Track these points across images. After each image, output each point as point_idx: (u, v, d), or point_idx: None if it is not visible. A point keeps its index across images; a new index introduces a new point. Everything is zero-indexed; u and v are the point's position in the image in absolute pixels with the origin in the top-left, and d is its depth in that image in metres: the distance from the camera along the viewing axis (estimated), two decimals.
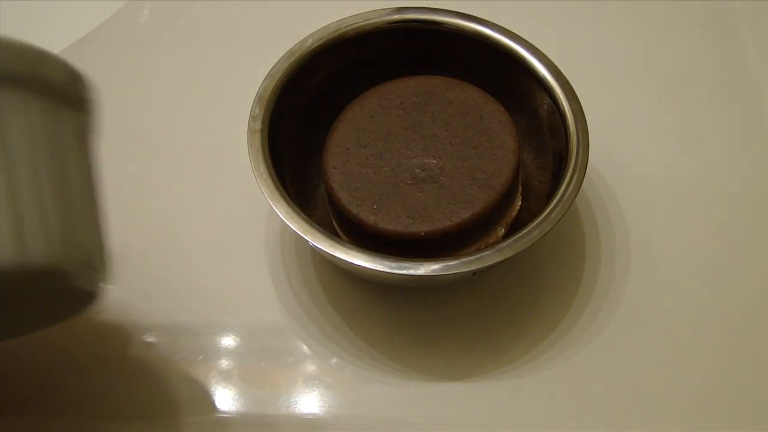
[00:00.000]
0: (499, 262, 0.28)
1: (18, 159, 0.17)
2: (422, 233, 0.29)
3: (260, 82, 0.32)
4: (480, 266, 0.28)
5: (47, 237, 0.17)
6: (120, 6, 0.42)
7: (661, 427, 0.29)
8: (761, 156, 0.36)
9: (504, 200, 0.31)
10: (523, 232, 0.28)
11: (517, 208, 0.32)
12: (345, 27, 0.34)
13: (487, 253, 0.28)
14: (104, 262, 0.20)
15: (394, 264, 0.28)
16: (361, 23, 0.34)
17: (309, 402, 0.30)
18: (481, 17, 0.34)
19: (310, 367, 0.31)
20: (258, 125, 0.31)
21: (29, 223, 0.17)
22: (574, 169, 0.30)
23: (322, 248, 0.28)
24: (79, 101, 0.19)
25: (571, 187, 0.30)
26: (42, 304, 0.21)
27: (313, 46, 0.33)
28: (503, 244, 0.28)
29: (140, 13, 0.43)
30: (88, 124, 0.20)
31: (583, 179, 0.30)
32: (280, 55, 0.32)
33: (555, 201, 0.29)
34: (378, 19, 0.34)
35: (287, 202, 0.29)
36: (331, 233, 0.29)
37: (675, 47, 0.41)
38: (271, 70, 0.32)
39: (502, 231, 0.31)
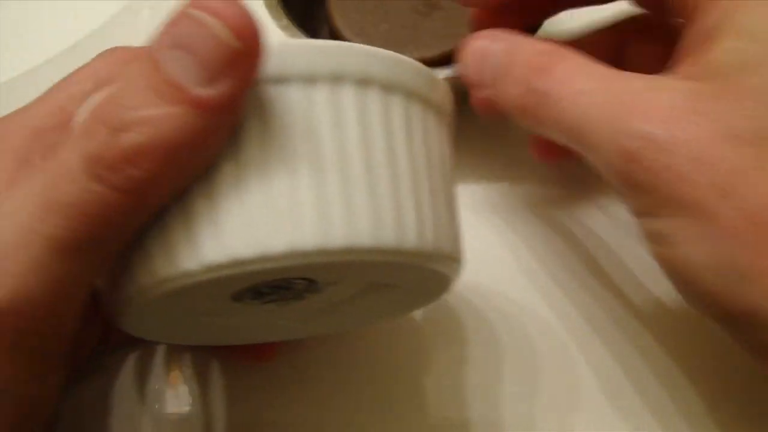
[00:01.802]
0: None
1: (413, 157, 0.20)
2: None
3: None
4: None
5: (422, 224, 0.20)
6: (120, 6, 0.43)
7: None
8: None
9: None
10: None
11: None
12: None
13: None
14: (460, 250, 0.22)
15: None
16: None
17: None
18: None
19: None
20: None
21: (407, 209, 0.19)
22: None
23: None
24: (449, 112, 0.23)
25: None
26: (406, 292, 0.23)
27: None
28: None
29: (140, 13, 0.43)
30: (452, 128, 0.24)
31: None
32: None
33: None
34: None
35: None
36: None
37: None
38: None
39: None
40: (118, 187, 0.16)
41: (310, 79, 0.18)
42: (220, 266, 0.17)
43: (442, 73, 0.31)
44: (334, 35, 0.36)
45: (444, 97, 0.23)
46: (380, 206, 0.19)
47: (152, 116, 0.16)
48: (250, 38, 0.16)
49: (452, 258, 0.21)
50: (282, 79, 0.18)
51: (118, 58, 0.22)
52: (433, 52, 0.35)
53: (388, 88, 0.20)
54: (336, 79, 0.19)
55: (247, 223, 0.17)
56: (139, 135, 0.16)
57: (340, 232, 0.18)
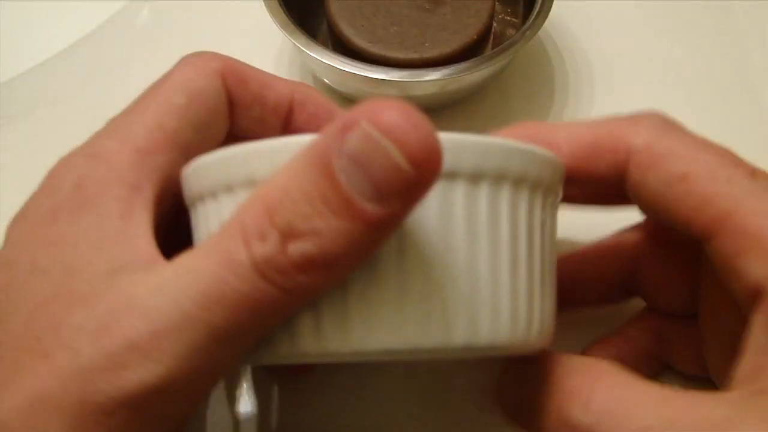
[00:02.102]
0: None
1: (536, 250, 0.21)
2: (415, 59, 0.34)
3: None
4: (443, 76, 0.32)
5: (542, 321, 0.21)
6: (120, 6, 0.43)
7: None
8: (761, 155, 0.36)
9: (475, 45, 0.35)
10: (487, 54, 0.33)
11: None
12: None
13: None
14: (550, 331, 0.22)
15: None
16: None
17: None
18: None
19: None
20: None
21: (533, 306, 0.21)
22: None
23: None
24: (558, 192, 0.23)
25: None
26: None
27: None
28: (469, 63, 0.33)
29: (140, 13, 0.43)
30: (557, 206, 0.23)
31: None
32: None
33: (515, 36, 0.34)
34: None
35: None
36: None
37: (674, 47, 0.41)
38: None
39: None
40: (285, 288, 0.17)
41: (451, 175, 0.19)
42: (370, 353, 0.19)
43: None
44: (334, 35, 0.36)
45: (559, 178, 0.22)
46: (516, 307, 0.20)
47: (324, 228, 0.16)
48: (427, 167, 0.16)
49: (550, 340, 0.22)
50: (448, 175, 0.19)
51: (208, 69, 0.23)
52: (452, 47, 0.35)
53: (519, 182, 0.20)
54: (475, 177, 0.19)
55: (400, 319, 0.19)
56: (311, 246, 0.16)
57: (485, 333, 0.19)
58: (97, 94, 0.39)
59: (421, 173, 0.16)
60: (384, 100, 0.16)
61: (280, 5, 0.36)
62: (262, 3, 0.36)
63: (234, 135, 0.24)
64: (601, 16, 0.42)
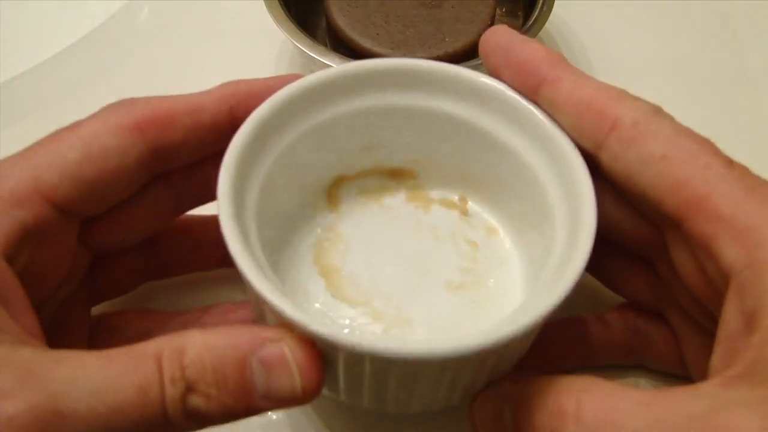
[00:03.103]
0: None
1: None
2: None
3: None
4: None
5: None
6: (120, 6, 0.43)
7: None
8: (761, 155, 0.36)
9: (476, 46, 0.34)
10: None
11: None
12: None
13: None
14: None
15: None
16: None
17: None
18: None
19: None
20: None
21: None
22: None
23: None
24: None
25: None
26: None
27: None
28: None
29: (140, 13, 0.43)
30: None
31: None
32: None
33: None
34: None
35: None
36: None
37: (674, 47, 0.41)
38: None
39: None
40: (172, 422, 0.20)
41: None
42: None
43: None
44: (334, 34, 0.36)
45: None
46: None
47: (215, 397, 0.20)
48: (311, 397, 0.21)
49: None
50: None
51: (119, 126, 0.24)
52: (471, 36, 0.35)
53: None
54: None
55: None
56: (202, 404, 0.20)
57: None
58: (97, 94, 0.39)
59: (305, 399, 0.21)
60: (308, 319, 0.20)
61: (280, 5, 0.36)
62: (262, 3, 0.36)
63: (182, 162, 0.25)
64: (602, 16, 0.42)
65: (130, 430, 0.20)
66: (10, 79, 0.39)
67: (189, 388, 0.20)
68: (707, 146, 0.23)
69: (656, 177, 0.22)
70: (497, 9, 0.39)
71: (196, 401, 0.20)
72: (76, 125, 0.24)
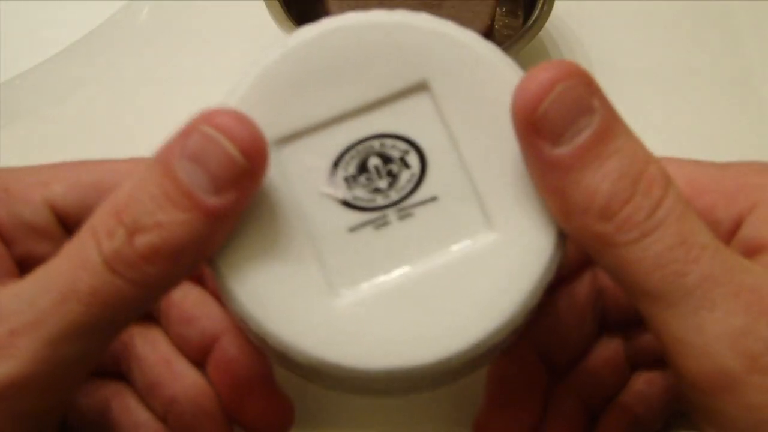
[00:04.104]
0: None
1: None
2: None
3: None
4: None
5: None
6: (120, 6, 0.43)
7: None
8: (761, 155, 0.36)
9: None
10: None
11: None
12: None
13: None
14: None
15: None
16: None
17: None
18: None
19: None
20: None
21: None
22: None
23: None
24: None
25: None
26: None
27: None
28: None
29: (140, 13, 0.43)
30: None
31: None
32: None
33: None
34: None
35: None
36: None
37: (674, 47, 0.41)
38: None
39: None
40: (134, 281, 0.18)
41: None
42: None
43: None
44: None
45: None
46: None
47: (166, 221, 0.18)
48: (257, 157, 0.19)
49: None
50: None
51: None
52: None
53: None
54: None
55: None
56: (155, 237, 0.18)
57: None
58: (97, 94, 0.39)
59: (252, 162, 0.18)
60: (214, 108, 0.19)
61: (281, 5, 0.36)
62: (263, 3, 0.36)
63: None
64: (602, 16, 0.42)
65: (88, 310, 0.18)
66: (10, 79, 0.39)
67: (133, 231, 0.18)
68: None
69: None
70: (497, 9, 0.39)
71: (147, 239, 0.18)
72: (101, 161, 0.24)
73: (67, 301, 0.18)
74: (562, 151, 0.18)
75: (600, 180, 0.18)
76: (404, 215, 0.20)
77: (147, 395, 0.25)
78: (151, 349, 0.26)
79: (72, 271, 0.18)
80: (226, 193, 0.18)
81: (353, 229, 0.20)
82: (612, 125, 0.19)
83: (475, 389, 0.26)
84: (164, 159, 0.19)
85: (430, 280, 0.20)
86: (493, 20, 0.37)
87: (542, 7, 0.36)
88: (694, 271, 0.18)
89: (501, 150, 0.20)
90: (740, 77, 0.40)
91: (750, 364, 0.18)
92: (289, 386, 0.29)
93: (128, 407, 0.25)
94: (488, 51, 0.21)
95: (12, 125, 0.37)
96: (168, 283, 0.19)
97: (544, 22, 0.35)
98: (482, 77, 0.20)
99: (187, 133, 0.19)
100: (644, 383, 0.25)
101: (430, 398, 0.28)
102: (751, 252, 0.20)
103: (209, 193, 0.18)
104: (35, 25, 0.42)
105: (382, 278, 0.20)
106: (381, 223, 0.20)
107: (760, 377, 0.18)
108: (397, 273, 0.20)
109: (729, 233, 0.21)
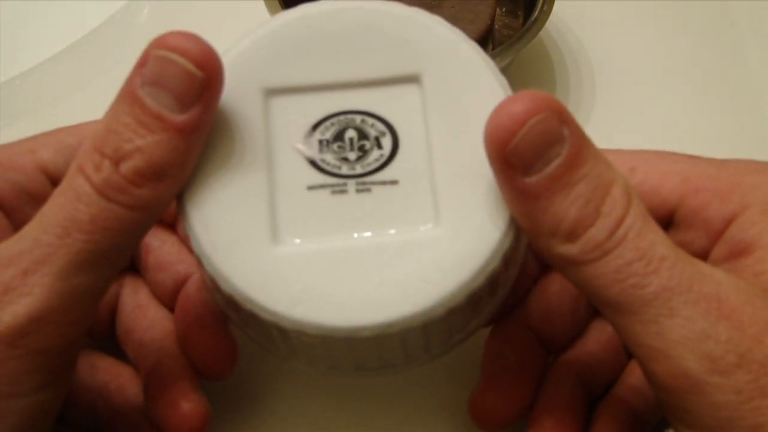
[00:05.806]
0: None
1: None
2: None
3: None
4: None
5: None
6: (120, 6, 0.43)
7: None
8: (761, 155, 0.36)
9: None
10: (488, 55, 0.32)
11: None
12: None
13: None
14: None
15: None
16: None
17: None
18: None
19: None
20: None
21: None
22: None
23: None
24: None
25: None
26: None
27: None
28: None
29: (140, 13, 0.43)
30: None
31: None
32: None
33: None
34: None
35: None
36: None
37: (674, 47, 0.41)
38: None
39: None
40: (128, 204, 0.20)
41: None
42: None
43: None
44: None
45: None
46: None
47: (144, 145, 0.19)
48: (212, 67, 0.20)
49: None
50: None
51: None
52: (472, 37, 0.34)
53: None
54: None
55: None
56: (138, 161, 0.19)
57: None
58: (97, 94, 0.39)
59: (208, 73, 0.20)
60: (165, 33, 0.20)
61: (281, 5, 0.36)
62: (263, 3, 0.36)
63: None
64: (602, 17, 0.42)
65: (91, 238, 0.19)
66: (10, 79, 0.39)
67: (117, 160, 0.19)
68: None
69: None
70: (497, 9, 0.39)
71: (131, 164, 0.19)
72: (79, 124, 0.25)
73: (70, 233, 0.19)
74: (532, 180, 0.19)
75: (567, 207, 0.19)
76: (362, 189, 0.21)
77: (123, 342, 0.27)
78: (131, 298, 0.27)
79: (69, 205, 0.19)
80: (192, 108, 0.20)
81: (312, 188, 0.21)
82: (580, 152, 0.19)
83: (473, 367, 0.26)
84: (128, 90, 0.20)
85: (367, 252, 0.21)
86: (493, 20, 0.37)
87: (542, 7, 0.36)
88: (652, 282, 0.19)
89: (469, 154, 0.21)
90: (740, 77, 0.40)
91: (710, 366, 0.19)
92: (288, 385, 0.29)
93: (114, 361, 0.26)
94: (480, 58, 0.22)
95: (12, 125, 0.37)
96: (158, 203, 0.20)
97: (544, 22, 0.35)
98: (469, 84, 0.22)
99: (143, 61, 0.20)
100: (641, 377, 0.26)
101: (425, 375, 0.28)
102: (736, 253, 0.21)
103: (176, 111, 0.19)
104: (35, 25, 0.42)
105: (325, 238, 0.21)
106: (339, 190, 0.21)
107: (721, 378, 0.19)
108: (340, 237, 0.21)
109: (719, 232, 0.22)
